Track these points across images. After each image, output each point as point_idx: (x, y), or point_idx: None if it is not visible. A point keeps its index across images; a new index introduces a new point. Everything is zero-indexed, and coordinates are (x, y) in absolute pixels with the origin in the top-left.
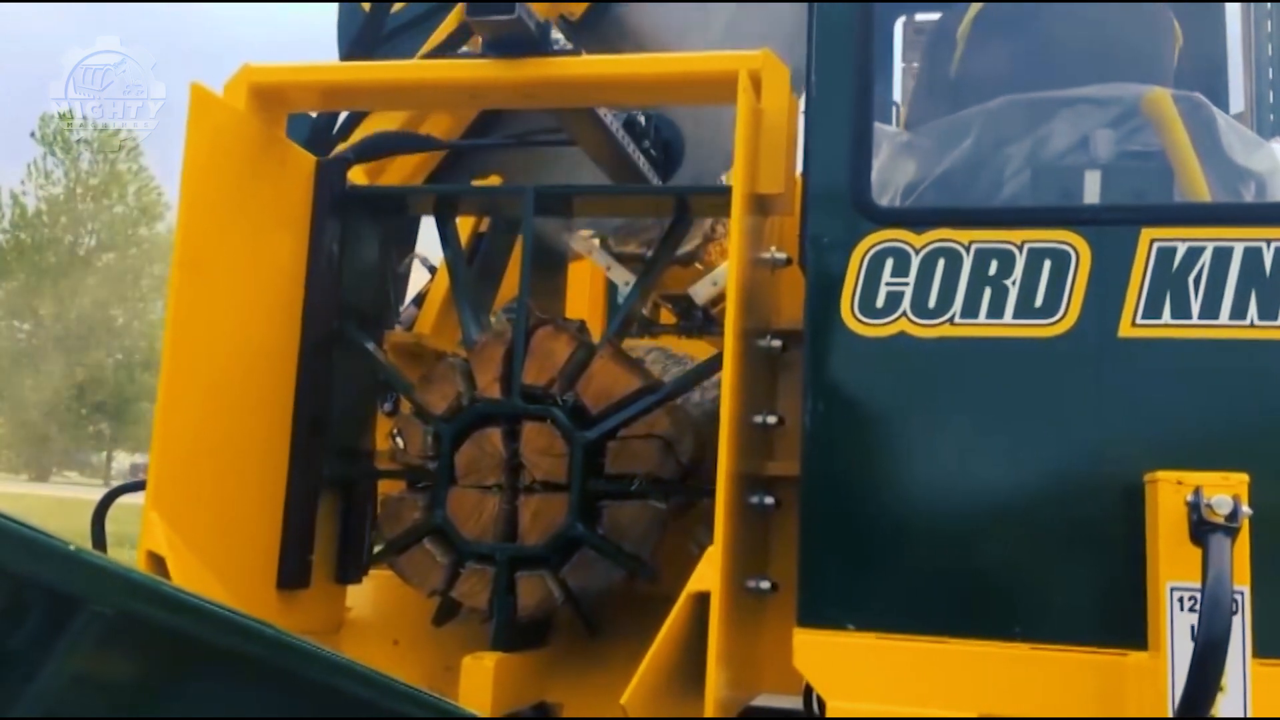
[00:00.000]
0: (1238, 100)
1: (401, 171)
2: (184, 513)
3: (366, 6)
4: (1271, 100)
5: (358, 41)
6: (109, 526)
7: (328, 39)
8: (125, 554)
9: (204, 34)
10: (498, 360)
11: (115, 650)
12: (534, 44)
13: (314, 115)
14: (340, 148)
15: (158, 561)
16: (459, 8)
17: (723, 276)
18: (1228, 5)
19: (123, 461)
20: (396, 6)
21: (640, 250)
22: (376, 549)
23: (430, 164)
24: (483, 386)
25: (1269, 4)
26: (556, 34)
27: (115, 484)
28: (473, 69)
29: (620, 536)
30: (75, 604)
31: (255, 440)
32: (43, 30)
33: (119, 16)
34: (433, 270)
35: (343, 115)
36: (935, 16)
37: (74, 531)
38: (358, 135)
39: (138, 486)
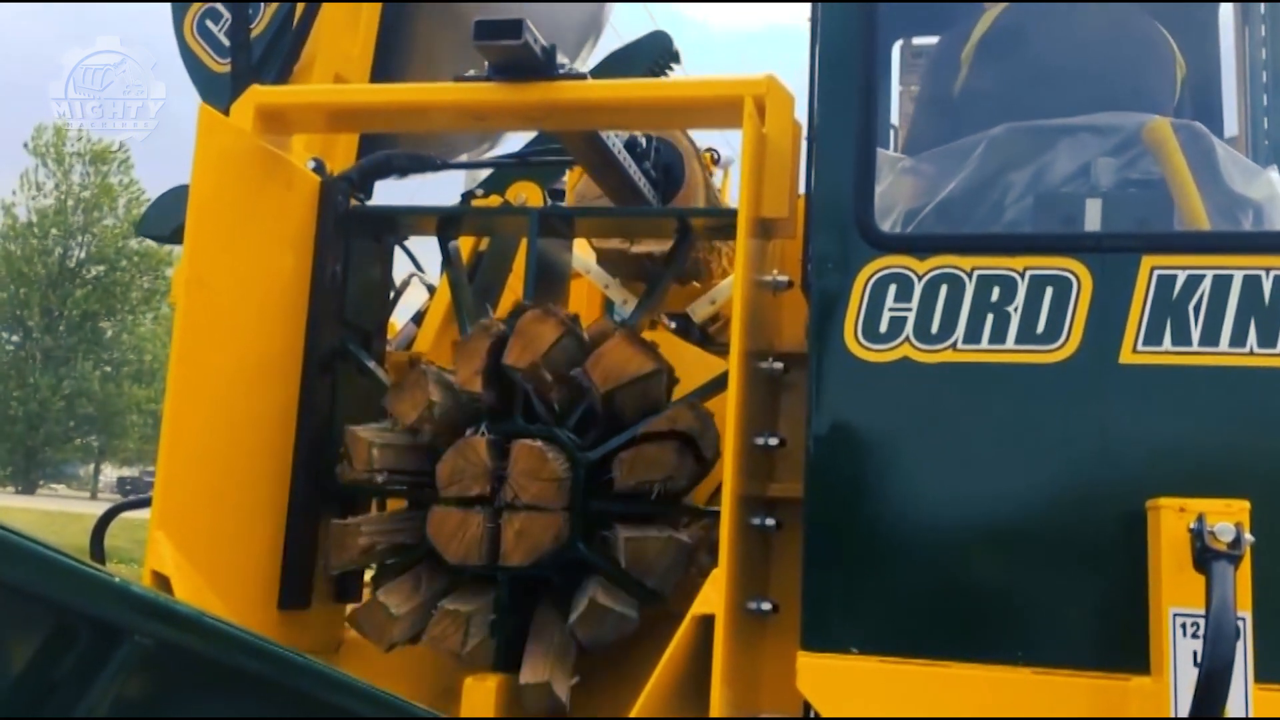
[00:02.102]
0: (1231, 124)
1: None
2: (189, 533)
3: (214, 65)
4: (1266, 126)
5: (235, 93)
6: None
7: None
8: (113, 568)
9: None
10: (483, 353)
11: (151, 676)
12: (540, 68)
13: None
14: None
15: (162, 581)
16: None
17: (720, 295)
18: (1221, 28)
19: (110, 475)
20: (264, 16)
21: (622, 245)
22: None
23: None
24: (464, 379)
25: (1263, 28)
26: (562, 58)
27: (102, 497)
28: (479, 92)
29: (645, 571)
30: (119, 634)
31: (259, 460)
32: (36, 38)
33: (114, 22)
34: (431, 289)
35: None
36: (933, 40)
37: (64, 545)
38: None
39: (135, 505)
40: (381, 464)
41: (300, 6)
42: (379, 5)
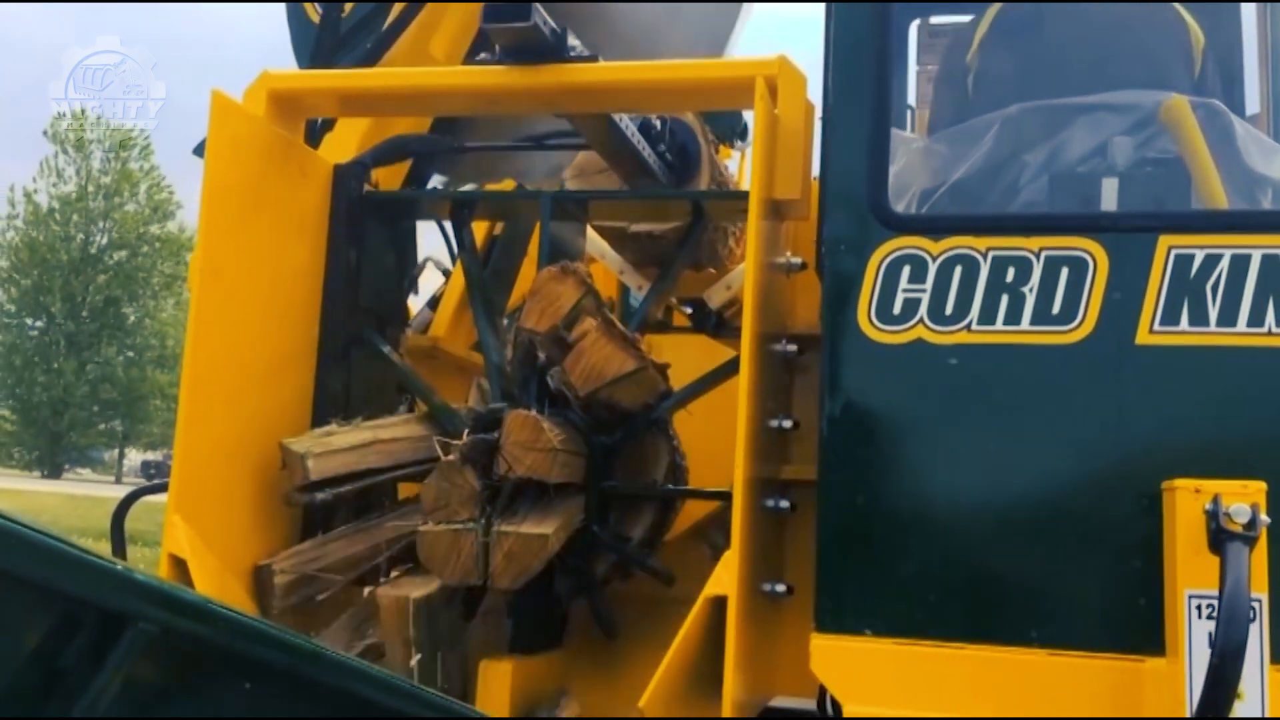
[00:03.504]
0: (1253, 102)
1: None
2: (205, 516)
3: (314, 14)
4: None
5: (316, 51)
6: None
7: None
8: (136, 551)
9: (204, 28)
10: None
11: (159, 663)
12: (551, 50)
13: None
14: (326, 139)
15: (179, 564)
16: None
17: (736, 280)
18: (1243, 6)
19: (134, 459)
20: (347, 7)
21: (620, 224)
22: None
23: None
24: None
25: None
26: (573, 40)
27: (127, 481)
28: (490, 76)
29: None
30: (123, 621)
31: (275, 444)
32: (53, 29)
33: (123, 14)
34: (446, 273)
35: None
36: (950, 20)
37: (88, 528)
38: (339, 129)
39: (156, 489)
40: (321, 473)
41: (398, 7)
42: (479, 7)
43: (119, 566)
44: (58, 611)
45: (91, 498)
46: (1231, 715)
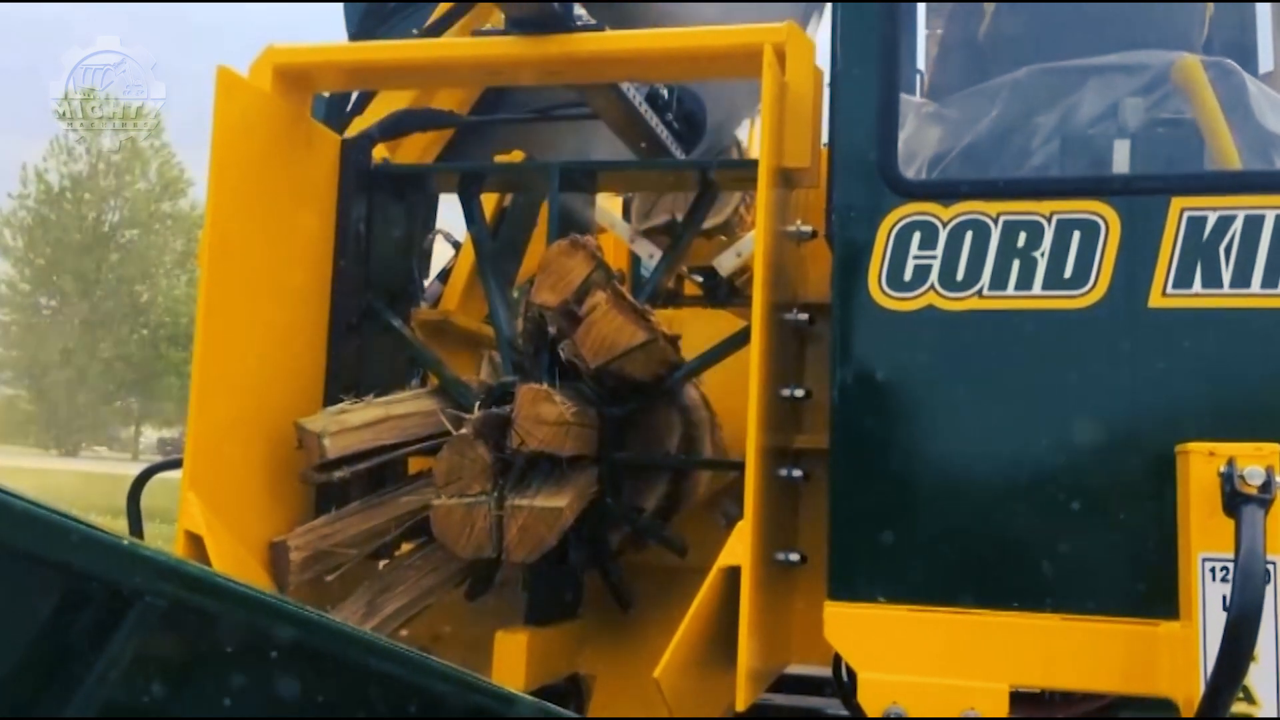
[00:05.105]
0: (1266, 59)
1: (415, 146)
2: (220, 493)
3: None
4: None
5: (364, 19)
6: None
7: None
8: (155, 527)
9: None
10: None
11: (169, 636)
12: (557, 20)
13: (327, 94)
14: (356, 122)
15: (195, 541)
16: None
17: (746, 248)
18: None
19: (150, 436)
20: None
21: (666, 218)
22: None
23: (442, 139)
24: None
25: None
26: (580, 10)
27: (144, 458)
28: (496, 46)
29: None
30: (131, 596)
31: (288, 419)
32: (60, 7)
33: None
34: (457, 246)
35: (355, 94)
36: None
37: (106, 505)
38: (370, 112)
39: (171, 465)
40: (338, 451)
41: (443, 7)
42: None
43: (124, 541)
44: (64, 587)
45: (110, 475)
46: (1247, 680)
